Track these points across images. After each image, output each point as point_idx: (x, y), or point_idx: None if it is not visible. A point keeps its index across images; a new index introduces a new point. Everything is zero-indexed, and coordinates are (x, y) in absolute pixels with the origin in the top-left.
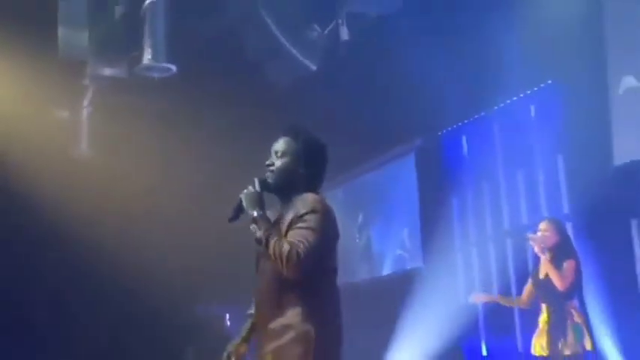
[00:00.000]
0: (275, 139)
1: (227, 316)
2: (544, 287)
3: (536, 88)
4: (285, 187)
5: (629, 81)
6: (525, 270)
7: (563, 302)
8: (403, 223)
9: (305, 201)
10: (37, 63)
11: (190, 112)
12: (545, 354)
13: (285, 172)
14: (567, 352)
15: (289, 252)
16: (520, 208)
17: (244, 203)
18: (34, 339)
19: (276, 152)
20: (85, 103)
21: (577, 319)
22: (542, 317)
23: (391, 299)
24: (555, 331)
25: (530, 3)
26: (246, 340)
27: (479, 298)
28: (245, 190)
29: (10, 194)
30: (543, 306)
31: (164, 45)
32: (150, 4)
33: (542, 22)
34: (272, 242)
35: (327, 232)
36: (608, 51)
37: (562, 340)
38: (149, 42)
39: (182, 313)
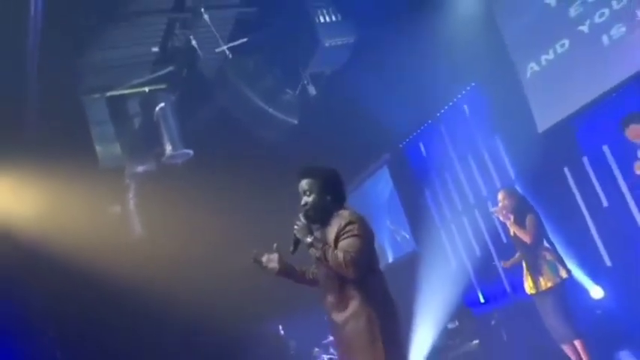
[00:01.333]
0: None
1: (280, 327)
2: (517, 243)
3: (464, 92)
4: (323, 214)
5: (532, 66)
6: (495, 231)
7: (534, 250)
8: (392, 219)
9: (342, 216)
10: (86, 177)
11: (210, 183)
12: (534, 292)
13: (318, 205)
14: (549, 285)
15: (344, 258)
16: (478, 184)
17: (298, 235)
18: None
19: (305, 192)
20: (130, 196)
21: (549, 257)
22: (523, 264)
23: (400, 280)
24: (534, 272)
25: (438, 28)
26: (283, 261)
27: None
28: (295, 226)
29: (85, 276)
30: (521, 255)
31: (178, 136)
32: (160, 109)
33: (451, 41)
34: (329, 255)
35: (366, 235)
36: (509, 46)
37: (540, 277)
38: (167, 137)
39: (244, 333)
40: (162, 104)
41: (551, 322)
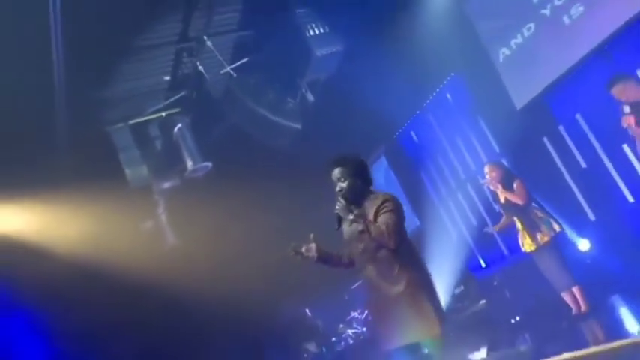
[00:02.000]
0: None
1: (307, 310)
2: (509, 208)
3: (445, 82)
4: (357, 196)
5: (503, 51)
6: (488, 201)
7: (526, 210)
8: None
9: (377, 197)
10: (119, 198)
11: (230, 190)
12: (534, 247)
13: (352, 189)
14: (546, 239)
15: (387, 229)
16: (467, 161)
17: (340, 214)
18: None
19: (339, 179)
20: (160, 211)
21: (540, 215)
22: (518, 226)
23: None
24: (531, 230)
25: (416, 27)
26: (320, 249)
27: (497, 227)
28: (337, 207)
29: (127, 286)
30: (515, 219)
31: (197, 152)
32: (177, 130)
33: (429, 38)
34: (372, 229)
35: (400, 210)
36: (481, 36)
37: (538, 233)
38: (186, 154)
39: (277, 321)
40: (179, 125)
41: (552, 272)
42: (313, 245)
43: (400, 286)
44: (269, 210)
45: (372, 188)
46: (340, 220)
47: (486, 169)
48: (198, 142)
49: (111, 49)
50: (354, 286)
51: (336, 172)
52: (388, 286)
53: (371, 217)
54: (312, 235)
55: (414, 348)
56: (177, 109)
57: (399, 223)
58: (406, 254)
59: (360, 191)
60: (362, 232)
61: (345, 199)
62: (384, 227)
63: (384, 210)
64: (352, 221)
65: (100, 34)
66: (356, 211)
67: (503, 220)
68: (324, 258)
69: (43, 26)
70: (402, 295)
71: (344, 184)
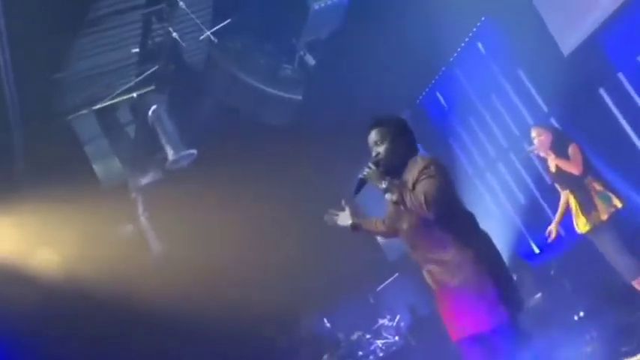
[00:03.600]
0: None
1: (325, 320)
2: (562, 178)
3: (475, 29)
4: (397, 162)
5: None
6: (537, 172)
7: (582, 181)
8: None
9: (416, 163)
10: (89, 200)
11: (222, 179)
12: (588, 228)
13: (392, 153)
14: (604, 217)
15: (425, 198)
16: (508, 124)
17: (371, 181)
18: None
19: (376, 142)
20: (140, 211)
21: (598, 187)
22: (572, 202)
23: None
24: (587, 207)
25: None
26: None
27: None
28: (365, 172)
29: (106, 296)
30: (567, 192)
31: (178, 137)
32: (153, 112)
33: None
34: (407, 198)
35: (442, 174)
36: None
37: (594, 211)
38: (166, 140)
39: (291, 335)
40: (154, 107)
41: (615, 258)
42: (347, 211)
43: (459, 270)
44: (271, 198)
45: (417, 152)
46: (360, 185)
47: (534, 133)
48: (179, 126)
49: (63, 21)
50: (379, 288)
51: (373, 135)
52: (442, 271)
53: (410, 185)
54: (343, 201)
55: (481, 338)
56: (150, 87)
57: (441, 191)
58: (463, 227)
59: (399, 157)
60: (396, 203)
61: (378, 165)
62: (421, 196)
63: (424, 176)
64: (385, 190)
65: (47, 4)
66: (389, 179)
67: (563, 200)
68: (360, 226)
69: None
70: (461, 279)
71: (380, 148)
